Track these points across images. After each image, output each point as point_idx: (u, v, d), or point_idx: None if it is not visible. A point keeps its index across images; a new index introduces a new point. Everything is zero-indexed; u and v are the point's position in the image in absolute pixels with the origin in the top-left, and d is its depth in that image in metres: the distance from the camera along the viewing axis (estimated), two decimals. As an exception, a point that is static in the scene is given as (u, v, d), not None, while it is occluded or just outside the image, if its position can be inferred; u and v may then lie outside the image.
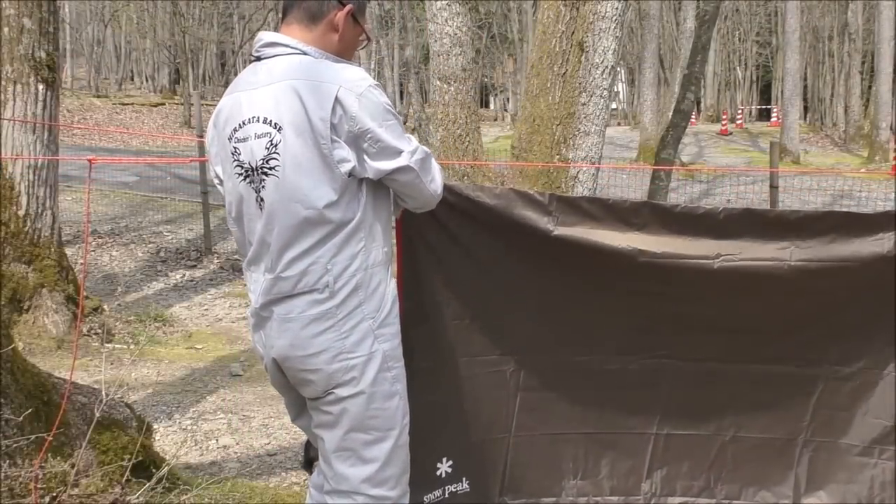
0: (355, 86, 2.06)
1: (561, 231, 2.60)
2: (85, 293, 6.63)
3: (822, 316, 2.71)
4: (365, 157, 2.07)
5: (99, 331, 5.86)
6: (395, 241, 2.29)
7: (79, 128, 21.49)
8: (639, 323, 2.77)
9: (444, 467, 2.73)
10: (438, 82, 6.13)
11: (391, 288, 2.20)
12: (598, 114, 5.55)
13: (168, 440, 4.16)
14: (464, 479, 2.76)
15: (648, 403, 2.85)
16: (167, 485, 3.02)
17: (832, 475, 2.84)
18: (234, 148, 2.14)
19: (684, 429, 2.87)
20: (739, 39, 41.04)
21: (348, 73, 2.10)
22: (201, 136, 8.17)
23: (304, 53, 2.15)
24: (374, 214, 2.15)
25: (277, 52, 2.16)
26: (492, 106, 48.16)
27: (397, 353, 2.22)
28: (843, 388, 2.78)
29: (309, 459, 3.88)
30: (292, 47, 2.14)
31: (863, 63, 27.03)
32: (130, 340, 6.00)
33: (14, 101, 5.48)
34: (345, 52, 2.24)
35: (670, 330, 2.77)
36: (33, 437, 2.91)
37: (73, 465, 2.91)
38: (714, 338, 2.77)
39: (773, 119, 32.13)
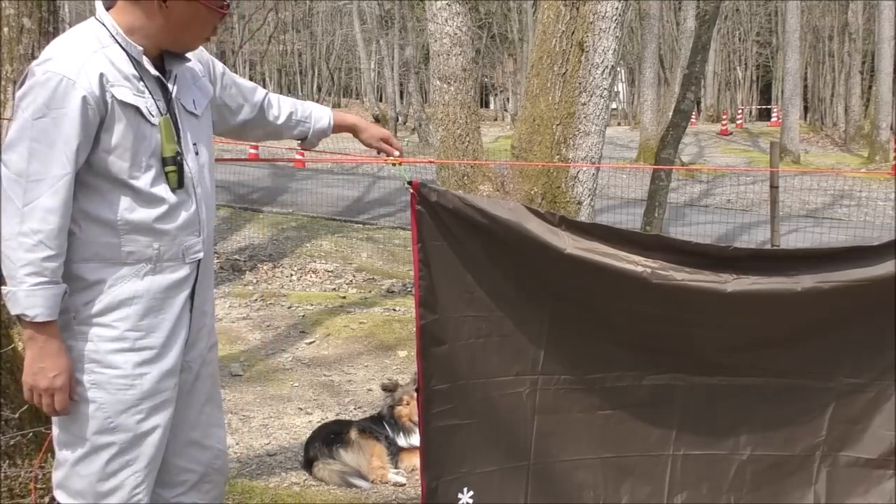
0: (34, 64, 1.96)
1: (573, 251, 2.56)
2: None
3: (834, 328, 2.70)
4: None
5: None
6: (159, 245, 2.08)
7: (79, 128, 21.47)
8: (650, 340, 2.74)
9: (465, 498, 2.69)
10: (438, 82, 6.13)
11: (122, 290, 2.03)
12: (598, 114, 5.55)
13: (168, 440, 4.16)
14: None
15: (663, 422, 2.81)
16: (167, 485, 3.02)
17: (851, 489, 2.81)
18: None
19: (700, 448, 2.82)
20: (739, 39, 41.03)
21: (50, 50, 1.98)
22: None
23: (100, 23, 2.04)
24: (85, 203, 2.00)
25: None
26: (492, 106, 48.17)
27: (108, 359, 2.04)
28: (858, 400, 2.76)
29: (309, 459, 3.89)
30: (97, 15, 2.07)
31: (863, 63, 27.02)
32: (130, 340, 5.99)
33: (14, 100, 5.48)
34: (183, 35, 2.09)
35: (681, 346, 2.75)
36: (31, 434, 2.91)
37: (72, 465, 2.91)
38: (725, 353, 2.75)
39: (773, 119, 32.10)
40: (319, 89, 47.39)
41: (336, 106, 44.45)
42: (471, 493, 2.70)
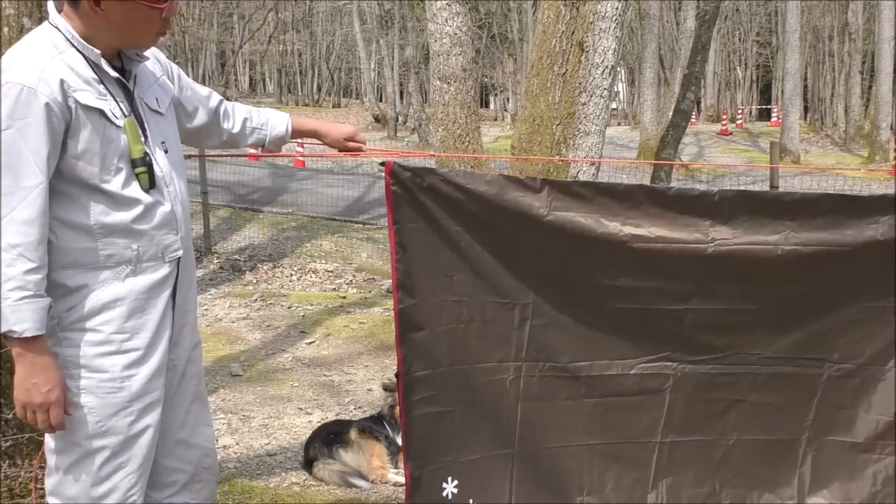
0: None
1: (554, 216, 2.51)
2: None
3: (822, 310, 2.69)
4: None
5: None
6: (138, 246, 2.08)
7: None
8: (637, 326, 2.72)
9: (449, 488, 2.64)
10: (438, 82, 6.13)
11: (105, 294, 2.03)
12: (598, 114, 5.54)
13: (168, 440, 4.16)
14: (470, 500, 2.67)
15: (652, 410, 2.79)
16: (167, 485, 3.01)
17: (835, 473, 2.82)
18: None
19: (688, 435, 2.81)
20: (739, 39, 41.03)
21: (6, 59, 1.94)
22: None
23: (55, 27, 2.02)
24: (59, 211, 1.97)
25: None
26: (492, 106, 48.14)
27: (95, 363, 2.03)
28: (846, 385, 2.77)
29: (309, 459, 3.89)
30: (50, 20, 2.04)
31: (863, 63, 27.01)
32: (130, 340, 5.99)
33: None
34: (128, 34, 2.06)
35: (669, 332, 2.73)
36: (28, 435, 2.91)
37: (72, 465, 2.90)
38: (714, 339, 2.74)
39: (773, 119, 32.11)
40: (319, 89, 47.37)
41: (336, 106, 44.45)
42: (455, 482, 2.65)
